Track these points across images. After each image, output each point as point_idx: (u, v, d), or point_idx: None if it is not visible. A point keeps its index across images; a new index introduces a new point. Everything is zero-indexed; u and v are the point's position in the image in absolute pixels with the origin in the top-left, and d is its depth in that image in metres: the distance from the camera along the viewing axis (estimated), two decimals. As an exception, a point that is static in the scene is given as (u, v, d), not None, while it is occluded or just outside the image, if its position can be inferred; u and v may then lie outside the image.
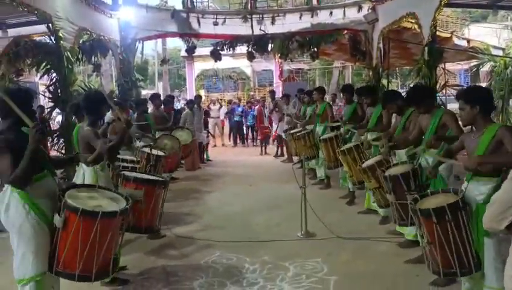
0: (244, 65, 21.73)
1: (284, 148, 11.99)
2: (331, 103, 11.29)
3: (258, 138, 13.62)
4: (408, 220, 4.24)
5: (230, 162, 11.68)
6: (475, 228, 3.22)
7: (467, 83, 21.97)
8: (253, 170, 10.35)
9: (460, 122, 3.95)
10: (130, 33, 10.77)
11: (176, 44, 30.98)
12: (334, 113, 9.64)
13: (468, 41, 12.36)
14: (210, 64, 20.93)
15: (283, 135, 11.18)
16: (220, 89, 26.48)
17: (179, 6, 11.77)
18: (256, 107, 13.01)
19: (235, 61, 20.62)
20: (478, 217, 3.16)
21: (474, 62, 15.84)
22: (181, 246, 5.18)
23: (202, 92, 24.29)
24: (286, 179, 8.93)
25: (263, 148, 13.24)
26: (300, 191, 5.59)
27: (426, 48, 7.67)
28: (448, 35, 11.81)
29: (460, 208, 3.20)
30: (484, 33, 18.98)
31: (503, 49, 13.32)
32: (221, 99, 20.79)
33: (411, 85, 8.40)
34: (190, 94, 19.72)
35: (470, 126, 3.55)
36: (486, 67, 13.16)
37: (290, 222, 5.83)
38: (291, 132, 8.71)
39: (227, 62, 19.34)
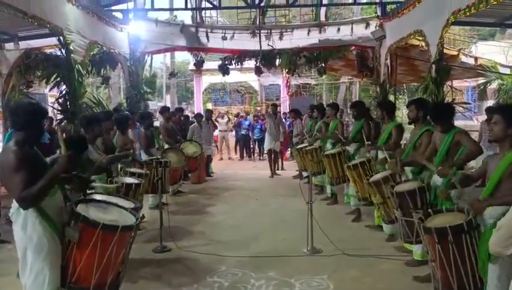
0: (251, 79, 21.85)
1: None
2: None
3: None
4: (413, 238, 4.22)
5: (236, 176, 11.68)
6: (480, 252, 3.14)
7: (474, 100, 21.93)
8: (260, 184, 10.34)
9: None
10: (139, 47, 10.90)
11: (184, 57, 31.29)
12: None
13: (476, 59, 12.37)
14: (218, 78, 21.02)
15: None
16: (227, 102, 26.63)
17: (188, 20, 11.93)
18: (288, 123, 12.94)
19: (242, 75, 20.75)
20: (484, 241, 3.09)
21: (481, 80, 15.85)
22: (186, 261, 5.17)
23: (209, 105, 24.44)
24: (293, 193, 8.88)
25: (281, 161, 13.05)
26: (307, 207, 5.58)
27: (433, 66, 7.68)
28: (456, 52, 11.82)
29: (465, 231, 3.15)
30: (492, 51, 19.01)
31: (510, 67, 13.32)
32: (228, 112, 20.92)
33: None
34: (197, 107, 19.84)
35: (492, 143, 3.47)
36: (493, 85, 13.15)
37: (296, 238, 5.80)
38: (298, 147, 8.72)
39: (235, 76, 19.46)
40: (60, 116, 8.17)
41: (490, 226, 3.04)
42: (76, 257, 3.13)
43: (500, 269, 3.00)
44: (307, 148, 8.00)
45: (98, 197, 3.93)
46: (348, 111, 15.17)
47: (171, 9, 12.55)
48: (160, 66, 27.60)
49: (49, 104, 13.31)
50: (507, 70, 12.77)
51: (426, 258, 4.55)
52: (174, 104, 21.49)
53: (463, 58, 12.16)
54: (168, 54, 21.37)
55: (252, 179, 11.14)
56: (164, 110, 9.29)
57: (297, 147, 8.80)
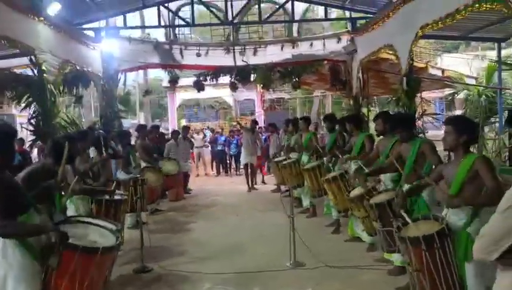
0: (225, 95, 21.93)
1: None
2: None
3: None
4: (396, 246, 4.29)
5: (214, 192, 11.63)
6: (457, 253, 3.29)
7: (442, 110, 22.58)
8: (239, 199, 10.33)
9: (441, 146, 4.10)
10: (112, 65, 10.82)
11: (157, 74, 31.16)
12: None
13: (443, 71, 12.79)
14: (192, 94, 21.08)
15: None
16: (201, 118, 26.59)
17: (161, 38, 11.93)
18: (264, 137, 13.01)
19: (217, 91, 20.80)
20: (459, 242, 3.27)
21: (447, 91, 16.39)
22: (169, 280, 5.11)
23: (183, 122, 24.36)
24: (272, 207, 8.94)
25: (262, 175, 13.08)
26: (287, 220, 5.62)
27: (404, 78, 7.92)
28: (424, 65, 12.21)
29: (447, 235, 3.28)
30: (456, 63, 19.66)
31: (476, 78, 13.84)
32: (203, 129, 20.84)
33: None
34: (172, 124, 19.73)
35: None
36: (461, 95, 13.61)
37: (278, 252, 5.82)
38: (276, 160, 8.78)
39: (209, 92, 19.42)
40: (31, 137, 8.03)
41: (463, 228, 3.27)
42: (57, 282, 3.05)
43: (475, 267, 3.17)
44: (284, 162, 8.06)
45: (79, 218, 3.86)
46: (322, 124, 15.41)
47: (144, 27, 12.53)
48: (132, 83, 27.39)
49: (19, 124, 13.04)
50: (473, 81, 13.26)
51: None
52: (148, 121, 21.31)
53: (431, 70, 12.55)
54: (140, 72, 21.25)
55: (230, 195, 11.11)
56: (141, 128, 9.22)
57: (275, 160, 8.86)
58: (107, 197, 4.96)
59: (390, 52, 8.78)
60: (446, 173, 3.55)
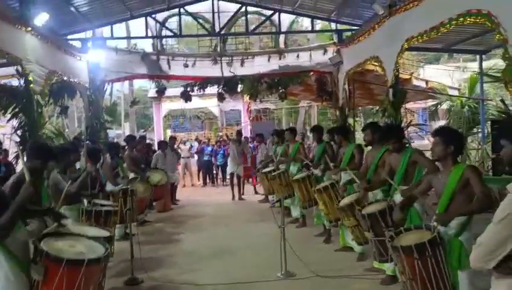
0: (211, 105, 21.95)
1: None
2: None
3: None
4: (388, 256, 4.35)
5: (202, 202, 11.59)
6: (450, 262, 3.36)
7: (425, 120, 22.95)
8: (227, 210, 10.32)
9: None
10: (99, 75, 10.77)
11: (141, 84, 31.04)
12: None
13: (427, 82, 13.06)
14: (177, 105, 21.01)
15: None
16: (187, 128, 26.51)
17: (148, 49, 11.94)
18: (252, 146, 13.07)
19: (202, 102, 20.78)
20: (452, 251, 3.34)
21: (430, 101, 16.70)
22: (160, 292, 5.07)
23: (169, 132, 24.23)
24: (260, 218, 9.00)
25: (253, 186, 13.07)
26: (277, 231, 5.63)
27: (391, 90, 8.06)
28: (408, 76, 12.43)
29: (438, 244, 3.34)
30: (438, 74, 20.07)
31: (458, 90, 14.15)
32: (188, 139, 20.79)
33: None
34: (158, 134, 19.62)
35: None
36: (444, 106, 13.88)
37: (269, 262, 5.82)
38: (264, 171, 8.82)
39: (195, 102, 19.37)
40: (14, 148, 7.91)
41: (454, 236, 3.37)
42: None
43: (468, 276, 3.27)
44: (273, 173, 8.10)
45: (70, 227, 3.83)
46: (308, 134, 15.53)
47: (131, 38, 12.52)
48: (117, 93, 27.23)
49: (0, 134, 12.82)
50: (455, 92, 13.56)
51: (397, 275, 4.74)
52: (134, 132, 21.16)
53: (415, 82, 12.80)
54: (126, 82, 21.16)
55: (217, 205, 11.09)
56: (130, 139, 9.18)
57: (263, 171, 8.90)
58: (97, 208, 4.91)
59: (376, 63, 8.94)
60: (435, 184, 3.63)
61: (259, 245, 6.91)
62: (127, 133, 21.29)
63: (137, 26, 13.42)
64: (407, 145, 6.72)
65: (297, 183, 7.08)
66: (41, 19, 7.69)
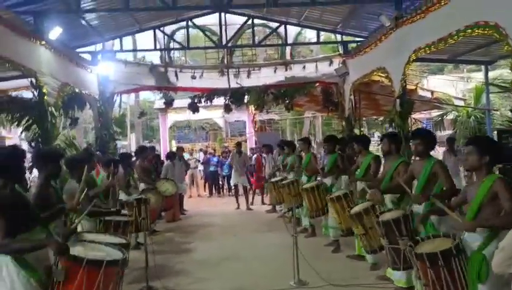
0: (216, 116, 22.09)
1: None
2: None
3: (253, 187, 13.56)
4: (401, 264, 4.39)
5: (209, 212, 11.65)
6: (470, 274, 3.29)
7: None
8: (234, 220, 10.37)
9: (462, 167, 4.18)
10: (108, 87, 10.94)
11: (146, 96, 31.32)
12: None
13: (432, 92, 13.15)
14: (183, 116, 21.17)
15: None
16: (191, 139, 26.64)
17: (156, 61, 12.12)
18: (254, 156, 13.23)
19: (207, 112, 20.89)
20: (472, 263, 3.29)
21: (434, 112, 16.80)
22: (175, 300, 5.12)
23: (173, 143, 24.36)
24: (268, 228, 9.07)
25: (261, 196, 13.07)
26: (286, 240, 5.69)
27: (398, 100, 8.15)
28: (414, 87, 12.53)
29: (454, 255, 3.31)
30: (442, 84, 20.19)
31: (464, 100, 14.24)
32: (192, 150, 20.90)
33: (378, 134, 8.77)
34: (163, 145, 19.75)
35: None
36: (450, 116, 13.96)
37: (280, 271, 5.88)
38: (273, 180, 8.89)
39: (200, 113, 19.50)
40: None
41: (477, 249, 3.28)
42: None
43: (489, 289, 3.24)
44: (283, 182, 8.17)
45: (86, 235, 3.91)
46: (314, 145, 15.64)
47: (140, 50, 12.70)
48: (123, 105, 27.46)
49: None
50: (461, 103, 13.64)
51: (410, 285, 4.78)
52: (140, 143, 21.33)
53: (420, 92, 12.90)
54: (132, 94, 21.36)
55: (225, 215, 11.14)
56: (141, 149, 9.30)
57: (272, 180, 8.96)
58: (116, 218, 5.00)
59: (383, 74, 9.05)
60: (468, 194, 3.54)
61: (269, 254, 6.96)
62: (133, 144, 21.51)
63: (143, 39, 13.63)
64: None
65: (306, 193, 7.14)
66: (55, 33, 7.86)
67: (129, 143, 20.83)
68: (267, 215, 10.83)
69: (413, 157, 5.50)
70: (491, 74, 12.12)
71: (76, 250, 3.31)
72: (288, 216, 7.78)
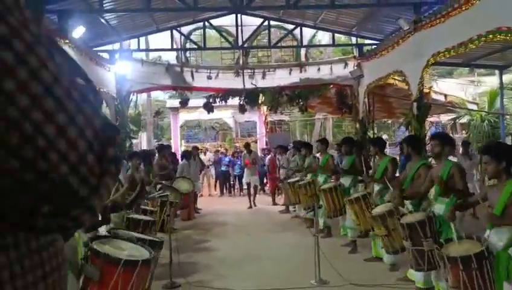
0: (226, 116, 22.19)
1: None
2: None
3: (268, 188, 13.86)
4: (425, 265, 4.47)
5: (222, 211, 11.76)
6: (496, 273, 3.43)
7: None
8: (248, 220, 10.44)
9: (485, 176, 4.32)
10: (125, 86, 11.09)
11: (156, 95, 31.50)
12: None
13: (445, 96, 13.20)
14: (194, 115, 21.29)
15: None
16: (200, 139, 26.72)
17: (172, 61, 12.24)
18: (269, 157, 13.41)
19: (218, 112, 21.00)
20: (499, 262, 3.41)
21: (444, 115, 16.82)
22: (199, 296, 5.22)
23: (183, 142, 24.48)
24: (282, 228, 9.16)
25: (272, 197, 13.27)
26: (303, 240, 5.79)
27: (415, 103, 8.22)
28: (427, 90, 12.58)
29: (485, 257, 3.44)
30: (451, 88, 20.15)
31: (477, 104, 14.26)
32: (201, 149, 21.04)
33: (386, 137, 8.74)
34: (175, 144, 19.84)
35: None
36: (463, 120, 13.99)
37: (299, 270, 5.97)
38: (290, 181, 8.98)
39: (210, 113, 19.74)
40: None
41: (503, 248, 3.39)
42: None
43: None
44: (300, 183, 8.26)
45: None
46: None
47: (158, 50, 12.84)
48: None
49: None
50: (474, 106, 13.68)
51: (428, 286, 4.85)
52: (151, 142, 21.46)
53: (433, 96, 12.95)
54: (144, 93, 21.51)
55: (238, 215, 11.23)
56: (162, 148, 9.47)
57: (289, 181, 9.05)
58: (141, 217, 5.10)
59: (400, 78, 9.13)
60: (490, 196, 3.69)
61: (285, 254, 7.04)
62: (144, 142, 21.64)
63: (158, 38, 13.77)
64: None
65: (325, 193, 7.23)
66: (78, 31, 7.99)
67: (140, 141, 20.94)
68: (280, 215, 10.91)
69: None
70: (504, 78, 12.14)
71: (106, 249, 3.41)
72: (307, 216, 7.89)
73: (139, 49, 11.69)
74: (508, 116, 12.11)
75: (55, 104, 0.50)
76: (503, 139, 11.00)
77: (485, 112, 12.65)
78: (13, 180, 0.49)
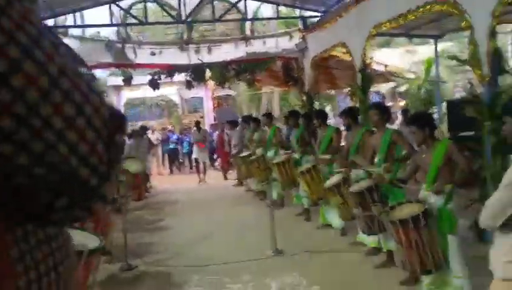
0: (172, 93, 21.75)
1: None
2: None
3: (218, 164, 13.96)
4: (375, 228, 4.73)
5: (173, 190, 11.68)
6: (440, 228, 3.73)
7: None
8: (202, 196, 10.46)
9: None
10: (63, 65, 10.51)
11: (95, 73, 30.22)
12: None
13: (386, 66, 13.64)
14: (137, 93, 20.71)
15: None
16: (145, 117, 26.07)
17: (113, 38, 11.74)
18: (216, 133, 13.34)
19: (162, 89, 20.52)
20: (442, 218, 3.70)
21: (384, 85, 17.44)
22: (158, 276, 5.22)
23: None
24: (237, 202, 9.28)
25: (224, 173, 13.30)
26: (258, 212, 5.93)
27: (359, 74, 8.45)
28: (369, 61, 12.93)
29: (423, 218, 3.66)
30: (390, 58, 20.84)
31: (415, 72, 14.88)
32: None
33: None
34: (119, 124, 19.24)
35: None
36: (402, 88, 14.60)
37: (256, 242, 6.11)
38: (241, 155, 9.04)
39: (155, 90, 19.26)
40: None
41: (443, 205, 3.70)
42: None
43: (457, 238, 3.65)
44: (251, 158, 8.34)
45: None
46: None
47: (96, 26, 12.18)
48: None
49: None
50: (411, 75, 14.28)
51: (380, 246, 5.15)
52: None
53: (374, 66, 13.33)
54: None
55: (190, 192, 11.23)
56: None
57: (240, 155, 9.11)
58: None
59: (344, 49, 9.32)
60: (421, 163, 3.99)
61: (241, 227, 7.17)
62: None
63: (95, 14, 13.12)
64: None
65: (277, 167, 7.36)
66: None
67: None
68: (233, 190, 11.02)
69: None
70: (439, 47, 12.71)
71: None
72: (260, 188, 8.03)
73: (75, 25, 11.06)
74: (443, 83, 12.76)
75: (63, 96, 0.49)
76: (438, 105, 11.64)
77: (422, 80, 13.25)
78: (24, 176, 0.48)
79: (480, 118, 5.64)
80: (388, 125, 5.42)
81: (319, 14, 11.35)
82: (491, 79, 5.30)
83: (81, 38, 11.15)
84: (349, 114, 5.97)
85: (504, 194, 2.24)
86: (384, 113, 5.01)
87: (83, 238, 3.60)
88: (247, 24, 12.26)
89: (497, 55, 5.31)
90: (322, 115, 6.86)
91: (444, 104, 11.34)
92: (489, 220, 2.29)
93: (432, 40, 12.90)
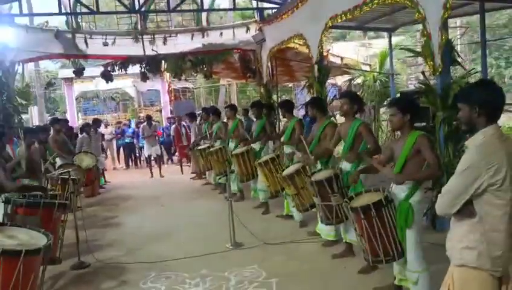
0: (127, 85, 21.18)
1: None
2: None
3: (177, 157, 13.73)
4: (333, 219, 4.74)
5: (129, 185, 11.35)
6: (399, 221, 3.69)
7: (335, 95, 24.24)
8: (159, 191, 10.21)
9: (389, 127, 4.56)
10: (8, 55, 9.98)
11: (45, 65, 28.98)
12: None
13: (342, 58, 13.84)
14: (90, 86, 20.04)
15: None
16: (100, 111, 25.30)
17: (62, 27, 11.23)
18: (173, 127, 13.02)
19: (117, 82, 19.96)
20: (400, 211, 3.68)
21: (341, 77, 17.73)
22: (112, 273, 5.02)
23: (80, 115, 23.02)
24: (195, 196, 9.15)
25: (181, 167, 13.08)
26: (216, 205, 5.85)
27: (316, 66, 8.49)
28: (325, 53, 13.07)
29: (384, 205, 3.66)
30: (345, 51, 21.21)
31: (370, 65, 15.19)
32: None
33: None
34: (71, 118, 18.55)
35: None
36: (357, 81, 14.86)
37: (215, 235, 6.02)
38: (199, 148, 8.88)
39: (109, 83, 18.67)
40: None
41: (404, 199, 3.66)
42: None
43: (415, 233, 3.65)
44: (211, 149, 8.20)
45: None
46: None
47: (43, 14, 11.54)
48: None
49: None
50: (367, 68, 14.56)
51: (338, 238, 5.18)
52: (43, 116, 19.81)
53: (331, 58, 13.50)
54: (29, 64, 19.60)
55: (146, 187, 10.95)
56: (54, 121, 8.70)
57: (198, 148, 8.95)
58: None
59: (300, 41, 9.32)
60: (394, 149, 3.85)
61: (200, 221, 7.07)
62: (36, 117, 19.93)
63: (43, 1, 12.52)
64: (331, 118, 7.22)
65: (237, 158, 7.28)
66: None
67: (31, 116, 19.21)
68: (191, 184, 10.85)
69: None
70: (392, 41, 13.02)
71: None
72: (219, 182, 7.93)
73: (21, 14, 10.47)
74: (397, 76, 13.08)
75: None
76: (393, 96, 11.91)
77: (377, 72, 13.52)
78: None
79: (433, 108, 5.80)
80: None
81: (275, 6, 11.30)
82: (443, 70, 5.44)
83: (28, 28, 10.58)
84: (315, 104, 5.75)
85: (460, 181, 2.26)
86: (355, 103, 4.83)
87: (27, 237, 3.41)
88: (204, 15, 12.01)
89: (448, 47, 5.45)
90: (289, 105, 6.76)
91: (398, 96, 11.63)
92: (446, 208, 2.30)
93: (385, 34, 13.23)
